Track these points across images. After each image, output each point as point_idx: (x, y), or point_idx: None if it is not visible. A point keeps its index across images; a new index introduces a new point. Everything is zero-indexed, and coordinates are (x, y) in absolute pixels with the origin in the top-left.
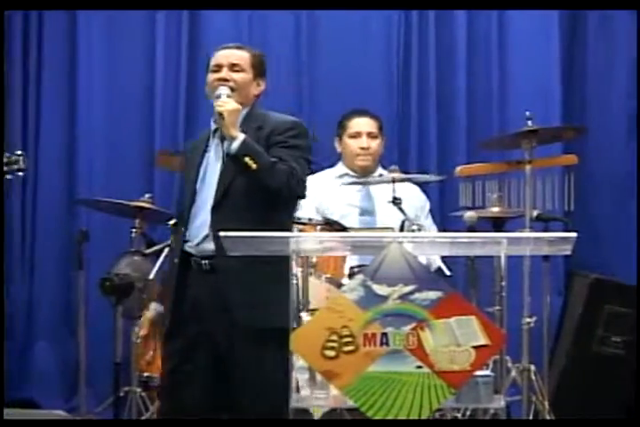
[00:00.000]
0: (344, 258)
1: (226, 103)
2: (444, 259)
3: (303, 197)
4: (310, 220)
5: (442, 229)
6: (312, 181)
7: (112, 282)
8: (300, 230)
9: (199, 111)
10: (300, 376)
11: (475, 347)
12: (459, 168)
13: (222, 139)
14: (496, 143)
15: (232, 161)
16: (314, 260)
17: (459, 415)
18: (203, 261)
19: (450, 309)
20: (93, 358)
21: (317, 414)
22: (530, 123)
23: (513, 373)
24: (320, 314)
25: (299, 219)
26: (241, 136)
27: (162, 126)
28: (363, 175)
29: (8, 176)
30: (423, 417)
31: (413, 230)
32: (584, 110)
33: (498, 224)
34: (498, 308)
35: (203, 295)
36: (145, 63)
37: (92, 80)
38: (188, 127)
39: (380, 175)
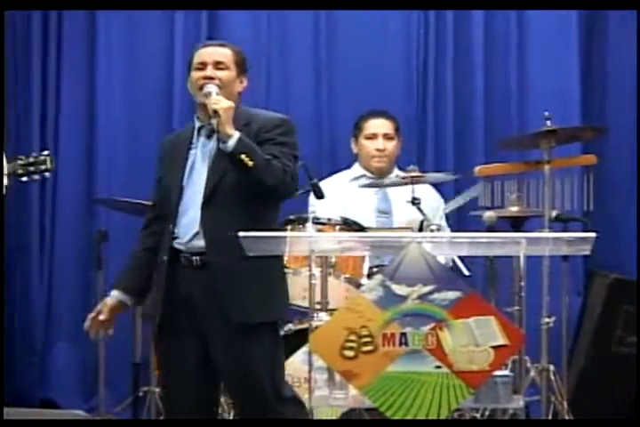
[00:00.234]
0: (363, 258)
1: (220, 101)
2: (462, 259)
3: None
4: (329, 220)
5: (461, 228)
6: (329, 183)
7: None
8: (319, 231)
9: None
10: (318, 376)
11: (494, 347)
12: (477, 168)
13: (209, 136)
14: (515, 143)
15: (228, 159)
16: (333, 260)
17: (477, 415)
18: (194, 257)
19: (469, 309)
20: (112, 359)
21: (335, 414)
22: (549, 123)
23: (532, 373)
24: (339, 314)
25: (317, 219)
26: (236, 134)
27: (181, 126)
28: (379, 176)
29: (35, 176)
30: (442, 417)
31: (432, 230)
32: (603, 110)
33: (517, 224)
34: (517, 308)
35: (194, 292)
36: (163, 63)
37: (111, 80)
38: None
39: (397, 176)
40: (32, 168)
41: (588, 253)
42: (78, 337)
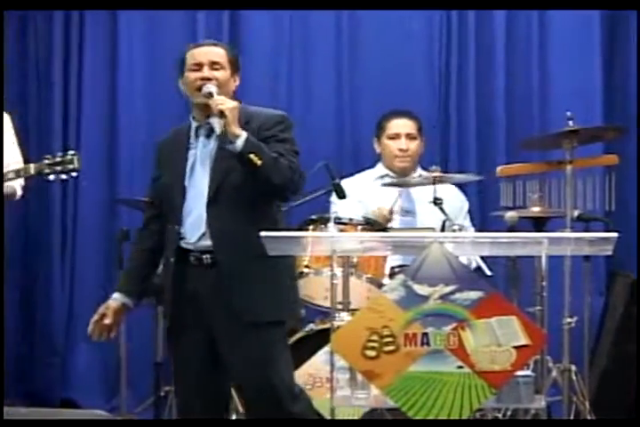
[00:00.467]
0: (385, 258)
1: (225, 101)
2: (484, 259)
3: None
4: (351, 220)
5: (482, 229)
6: (352, 182)
7: (152, 282)
8: (341, 230)
9: None
10: (340, 376)
11: (515, 347)
12: (499, 168)
13: (208, 136)
14: (537, 143)
15: (236, 159)
16: (355, 260)
17: (499, 416)
18: (204, 256)
19: (491, 309)
20: (134, 359)
21: (357, 414)
22: (571, 123)
23: (554, 373)
24: (361, 314)
25: (339, 219)
26: (244, 133)
27: None
28: (402, 176)
29: (63, 176)
30: (464, 417)
31: (454, 230)
32: (625, 110)
33: (539, 224)
34: (539, 308)
35: (204, 290)
36: None
37: (133, 80)
38: None
39: (420, 176)
40: (59, 168)
41: (609, 253)
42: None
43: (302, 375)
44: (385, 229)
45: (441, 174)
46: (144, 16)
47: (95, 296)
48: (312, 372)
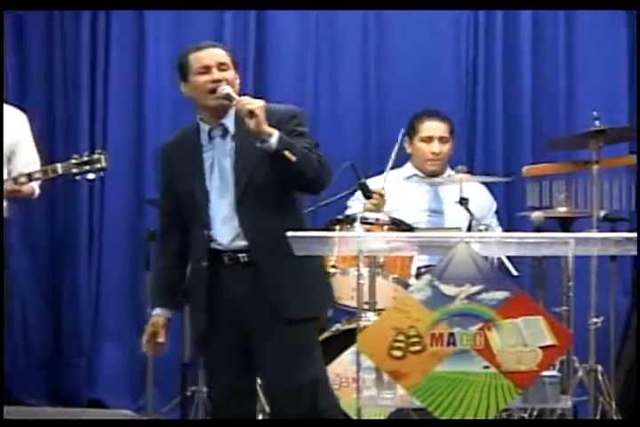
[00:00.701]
0: (411, 258)
1: (252, 101)
2: (511, 259)
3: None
4: (377, 220)
5: (509, 229)
6: (381, 181)
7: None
8: (368, 230)
9: None
10: (366, 376)
11: (542, 347)
12: (525, 168)
13: (223, 136)
14: (563, 143)
15: (270, 156)
16: (381, 260)
17: (525, 416)
18: (239, 255)
19: (517, 309)
20: (160, 359)
21: (383, 414)
22: (597, 123)
23: (580, 373)
24: (387, 314)
25: (366, 219)
26: (275, 131)
27: None
28: (431, 177)
29: (91, 176)
30: (490, 417)
31: (480, 230)
32: None
33: (565, 224)
34: (565, 308)
35: (240, 289)
36: None
37: (160, 80)
38: None
39: (449, 176)
40: (87, 167)
41: (635, 253)
42: (126, 337)
43: (329, 375)
44: (411, 229)
45: (467, 175)
46: (171, 16)
47: (122, 296)
48: (338, 372)
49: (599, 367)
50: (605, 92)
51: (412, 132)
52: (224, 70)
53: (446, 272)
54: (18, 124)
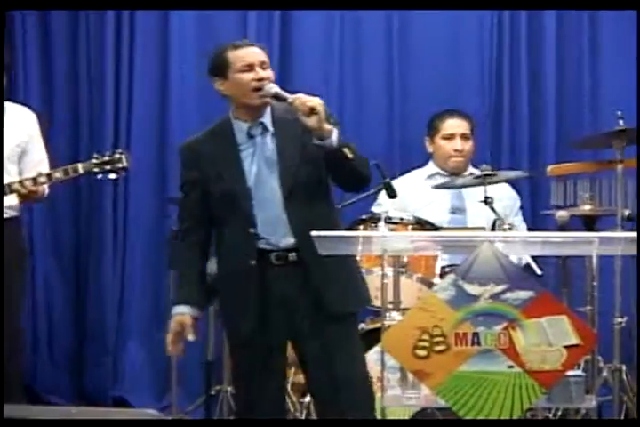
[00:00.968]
0: (435, 258)
1: (313, 99)
2: (535, 258)
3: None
4: (401, 219)
5: (533, 227)
6: (404, 181)
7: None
8: (392, 230)
9: None
10: (391, 376)
11: (566, 347)
12: (550, 167)
13: (262, 134)
14: (588, 143)
15: (328, 154)
16: (405, 259)
17: (550, 415)
18: (289, 254)
19: (541, 308)
20: (185, 357)
21: (407, 414)
22: (621, 122)
23: (604, 373)
24: (411, 314)
25: (390, 218)
26: (334, 129)
27: None
28: (453, 175)
29: (112, 175)
30: (514, 417)
31: (504, 229)
32: None
33: (589, 223)
34: (589, 308)
35: (289, 287)
36: None
37: (184, 80)
38: None
39: (471, 174)
40: (108, 167)
41: None
42: (150, 336)
43: None
44: (436, 229)
45: (491, 173)
46: (195, 16)
47: (146, 296)
48: None
49: (624, 367)
50: (629, 92)
51: (432, 131)
52: (265, 69)
53: (470, 272)
54: (28, 122)
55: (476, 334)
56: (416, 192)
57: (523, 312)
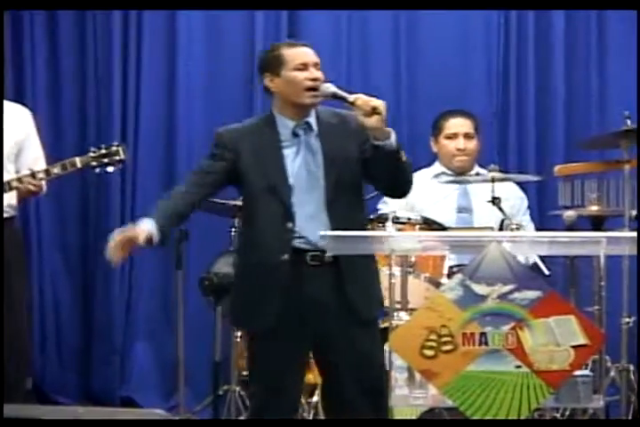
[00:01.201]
0: (443, 257)
1: (373, 99)
2: (543, 258)
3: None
4: (409, 219)
5: (541, 227)
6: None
7: (211, 281)
8: (399, 230)
9: None
10: (398, 375)
11: (574, 347)
12: (557, 167)
13: (306, 133)
14: (595, 143)
15: (387, 155)
16: (413, 259)
17: (557, 415)
18: (326, 255)
19: (549, 308)
20: (193, 358)
21: (415, 414)
22: (629, 122)
23: (612, 372)
24: (419, 313)
25: (397, 218)
26: (392, 130)
27: None
28: (459, 175)
29: (110, 168)
30: (522, 417)
31: (512, 229)
32: None
33: (596, 223)
34: (597, 307)
35: (322, 288)
36: (244, 63)
37: (191, 80)
38: None
39: (477, 174)
40: (106, 159)
41: None
42: (158, 336)
43: None
44: (443, 229)
45: (499, 173)
46: (202, 16)
47: (153, 295)
48: None
49: (631, 367)
50: (637, 92)
51: (436, 130)
52: (318, 69)
53: (478, 272)
54: (23, 120)
55: (483, 334)
56: (423, 191)
57: (530, 312)
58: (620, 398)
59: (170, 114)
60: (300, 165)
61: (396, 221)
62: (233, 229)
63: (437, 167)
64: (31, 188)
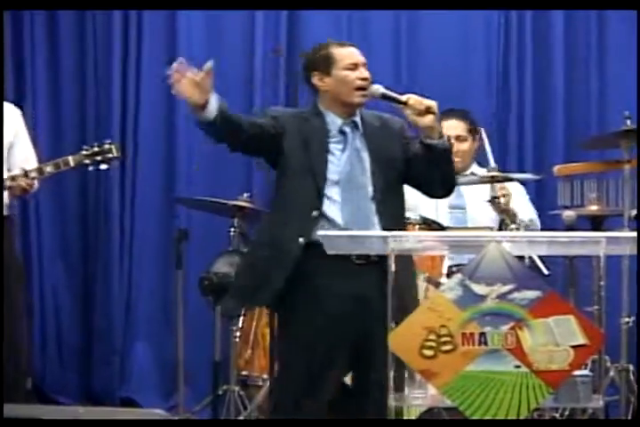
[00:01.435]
0: (442, 257)
1: (425, 99)
2: (542, 258)
3: None
4: (408, 219)
5: (541, 227)
6: None
7: (211, 281)
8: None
9: None
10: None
11: (573, 347)
12: (557, 167)
13: (352, 132)
14: (595, 143)
15: (439, 154)
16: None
17: (557, 415)
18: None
19: (548, 308)
20: (192, 357)
21: (414, 414)
22: (628, 122)
23: (611, 372)
24: (418, 313)
25: None
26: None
27: None
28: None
29: (103, 166)
30: (521, 417)
31: (512, 229)
32: None
33: (596, 223)
34: (596, 307)
35: (366, 287)
36: (244, 63)
37: None
38: None
39: (472, 173)
40: (99, 157)
41: None
42: (158, 336)
43: None
44: (443, 229)
45: (497, 174)
46: (202, 15)
47: (153, 296)
48: None
49: (631, 367)
50: (636, 92)
51: None
52: (366, 69)
53: (477, 271)
54: (14, 119)
55: (482, 334)
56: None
57: (530, 312)
58: (619, 398)
59: (170, 114)
60: (346, 161)
61: None
62: (233, 229)
63: None
64: (24, 186)
